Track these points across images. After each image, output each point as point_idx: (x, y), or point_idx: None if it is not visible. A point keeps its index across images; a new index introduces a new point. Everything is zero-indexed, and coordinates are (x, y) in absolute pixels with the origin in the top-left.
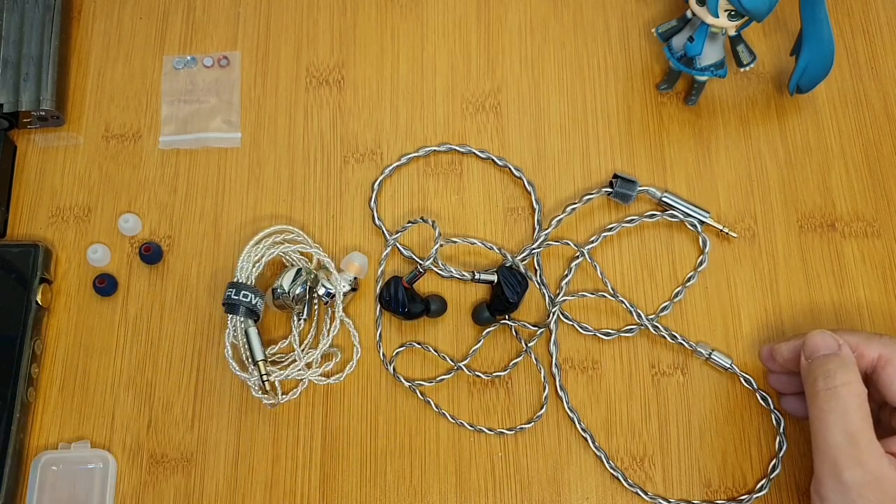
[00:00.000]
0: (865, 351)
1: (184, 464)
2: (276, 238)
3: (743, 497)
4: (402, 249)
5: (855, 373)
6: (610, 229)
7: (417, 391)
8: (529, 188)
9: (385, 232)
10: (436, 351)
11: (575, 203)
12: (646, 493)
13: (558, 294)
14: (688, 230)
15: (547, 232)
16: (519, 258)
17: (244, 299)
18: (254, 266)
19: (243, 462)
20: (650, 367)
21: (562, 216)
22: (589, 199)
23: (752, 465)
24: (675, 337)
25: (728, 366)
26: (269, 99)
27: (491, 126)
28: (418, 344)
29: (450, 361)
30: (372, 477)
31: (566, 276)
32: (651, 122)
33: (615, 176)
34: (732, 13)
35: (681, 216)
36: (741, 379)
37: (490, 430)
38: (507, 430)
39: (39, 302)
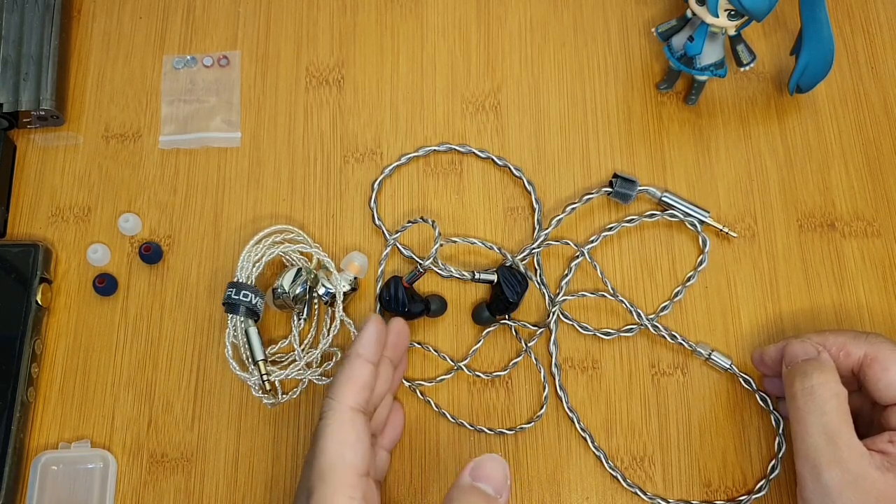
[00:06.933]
0: (852, 350)
1: (184, 463)
2: (276, 238)
3: (742, 497)
4: (402, 249)
5: (833, 374)
6: (610, 229)
7: (417, 391)
8: (529, 188)
9: (385, 232)
10: (436, 351)
11: (575, 203)
12: (645, 493)
13: (558, 294)
14: (688, 230)
15: (547, 232)
16: (519, 258)
17: (244, 299)
18: (254, 266)
19: (243, 462)
20: (650, 366)
21: (562, 216)
22: (589, 198)
23: (752, 466)
24: (675, 337)
25: (728, 366)
26: (269, 99)
27: (491, 126)
28: (418, 344)
29: (450, 361)
30: None
31: (566, 275)
32: (651, 121)
33: (615, 175)
34: (732, 13)
35: (681, 216)
36: (741, 379)
37: (490, 430)
38: (507, 430)
39: (39, 302)
